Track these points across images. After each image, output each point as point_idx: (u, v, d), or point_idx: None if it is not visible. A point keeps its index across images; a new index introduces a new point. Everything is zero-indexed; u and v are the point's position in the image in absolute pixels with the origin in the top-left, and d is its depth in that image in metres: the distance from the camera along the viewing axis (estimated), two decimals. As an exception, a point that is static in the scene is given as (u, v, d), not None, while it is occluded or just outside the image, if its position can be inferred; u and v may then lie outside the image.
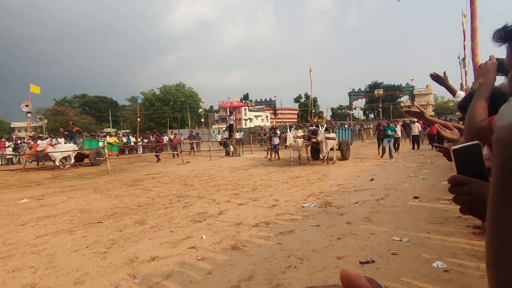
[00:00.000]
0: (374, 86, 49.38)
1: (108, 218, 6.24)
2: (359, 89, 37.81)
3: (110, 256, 4.29)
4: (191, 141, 25.67)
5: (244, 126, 50.85)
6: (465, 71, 16.20)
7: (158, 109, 56.75)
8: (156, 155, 20.56)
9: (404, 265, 3.59)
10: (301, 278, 3.41)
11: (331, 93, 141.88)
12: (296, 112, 70.28)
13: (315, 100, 59.17)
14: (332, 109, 69.79)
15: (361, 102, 53.22)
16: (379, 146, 16.09)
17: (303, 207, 6.47)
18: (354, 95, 37.29)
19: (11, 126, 67.64)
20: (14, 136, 32.63)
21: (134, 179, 11.85)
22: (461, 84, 18.82)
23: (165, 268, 3.85)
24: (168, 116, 54.34)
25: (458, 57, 21.60)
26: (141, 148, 27.25)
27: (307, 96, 65.48)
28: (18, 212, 7.02)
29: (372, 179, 9.24)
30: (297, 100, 73.14)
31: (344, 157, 14.60)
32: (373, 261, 3.71)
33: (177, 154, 21.35)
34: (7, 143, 22.75)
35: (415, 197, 6.77)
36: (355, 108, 43.24)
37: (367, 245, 4.26)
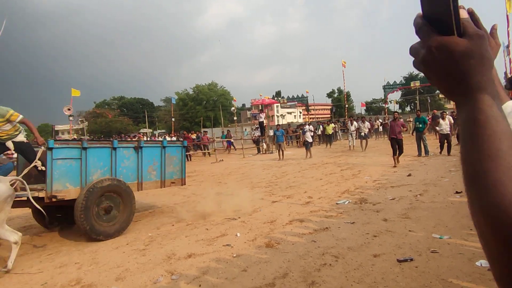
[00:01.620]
0: (410, 78, 47.68)
1: (146, 216, 6.45)
2: (394, 81, 36.68)
3: (149, 253, 4.44)
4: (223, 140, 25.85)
5: (276, 123, 50.80)
6: (510, 59, 15.28)
7: (192, 108, 57.80)
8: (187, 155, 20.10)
9: (445, 263, 3.45)
10: (336, 276, 3.37)
11: (364, 87, 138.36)
12: (329, 107, 69.07)
13: (348, 94, 57.89)
14: (366, 103, 68.01)
15: (396, 95, 51.55)
16: (394, 154, 11.13)
17: (337, 204, 6.38)
18: (389, 88, 36.20)
19: (55, 129, 71.30)
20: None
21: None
22: (505, 73, 17.74)
23: (201, 264, 3.93)
24: (201, 115, 55.25)
25: (502, 44, 20.41)
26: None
27: (340, 91, 64.21)
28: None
29: (409, 175, 8.94)
30: (330, 95, 71.85)
31: None
32: (411, 259, 3.59)
33: (208, 152, 21.56)
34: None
35: (457, 192, 6.48)
36: (390, 102, 41.89)
37: (405, 242, 4.14)
